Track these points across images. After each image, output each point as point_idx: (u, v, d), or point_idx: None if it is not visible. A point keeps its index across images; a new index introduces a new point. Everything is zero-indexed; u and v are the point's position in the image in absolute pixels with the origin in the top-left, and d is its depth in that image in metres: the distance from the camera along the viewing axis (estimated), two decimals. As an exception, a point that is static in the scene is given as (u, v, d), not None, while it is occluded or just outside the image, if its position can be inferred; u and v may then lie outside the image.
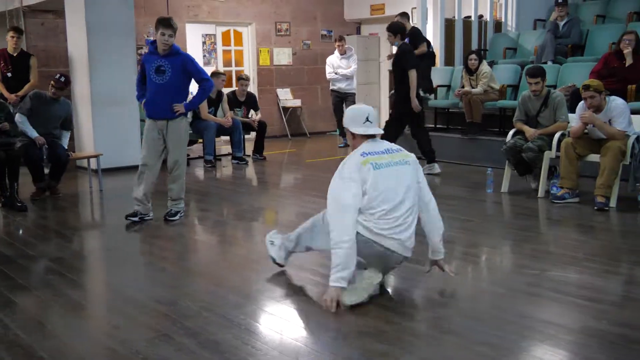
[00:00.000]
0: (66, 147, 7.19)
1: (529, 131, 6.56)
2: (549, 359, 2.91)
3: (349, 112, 3.86)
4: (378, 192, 3.57)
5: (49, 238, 5.50)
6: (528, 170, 6.74)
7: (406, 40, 8.18)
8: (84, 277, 4.53)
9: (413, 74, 7.75)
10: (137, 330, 3.34)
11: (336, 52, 10.88)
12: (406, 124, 8.21)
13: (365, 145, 3.74)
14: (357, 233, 3.53)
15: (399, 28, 8.10)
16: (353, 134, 3.80)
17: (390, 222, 3.58)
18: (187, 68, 5.67)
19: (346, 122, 3.85)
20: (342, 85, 10.76)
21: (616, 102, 5.99)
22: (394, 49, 9.51)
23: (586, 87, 5.94)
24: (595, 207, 5.83)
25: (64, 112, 7.13)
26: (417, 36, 9.16)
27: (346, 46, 10.88)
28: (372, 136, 3.78)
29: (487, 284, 4.17)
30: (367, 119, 3.74)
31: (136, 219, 5.76)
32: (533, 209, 6.18)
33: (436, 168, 8.04)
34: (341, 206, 3.54)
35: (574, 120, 6.30)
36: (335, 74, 10.77)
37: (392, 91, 9.50)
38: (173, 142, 5.72)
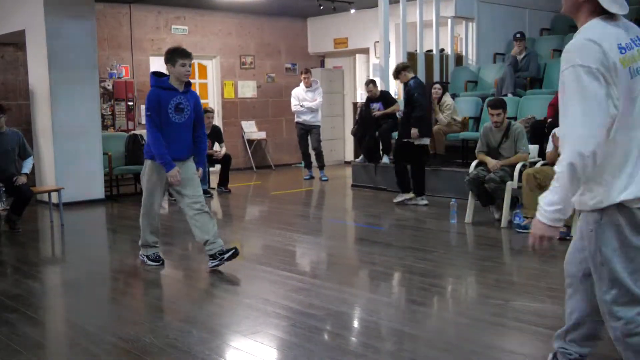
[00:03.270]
0: (28, 173, 7.08)
1: (491, 162, 6.68)
2: (514, 389, 2.92)
3: None
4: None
5: (7, 274, 5.37)
6: (491, 200, 6.83)
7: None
8: (43, 314, 4.42)
9: None
10: (99, 369, 3.26)
11: (302, 85, 10.95)
12: None
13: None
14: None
15: None
16: None
17: None
18: (198, 106, 5.28)
19: None
20: (307, 118, 10.81)
21: None
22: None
23: None
24: (558, 237, 5.91)
25: (14, 143, 7.02)
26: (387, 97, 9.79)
27: (312, 79, 10.97)
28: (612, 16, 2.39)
29: (451, 314, 4.19)
30: None
31: (155, 263, 5.38)
32: (496, 239, 6.25)
33: None
34: None
35: (534, 151, 6.44)
36: (301, 106, 10.83)
37: (356, 125, 9.65)
38: (191, 180, 5.17)
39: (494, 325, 3.78)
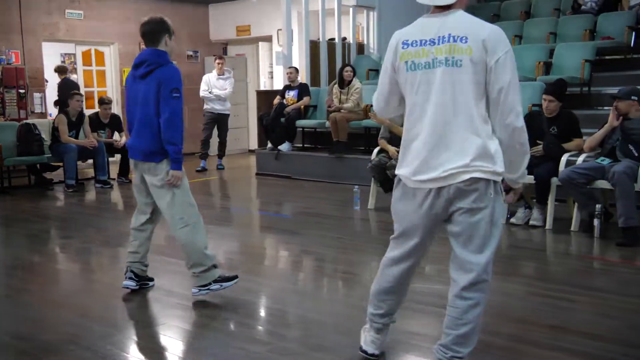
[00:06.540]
0: None
1: (392, 149, 6.84)
2: (416, 369, 3.02)
3: None
4: None
5: None
6: (393, 187, 6.98)
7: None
8: None
9: None
10: (-8, 370, 3.11)
11: (214, 72, 10.67)
12: None
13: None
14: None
15: None
16: None
17: None
18: None
19: None
20: (215, 106, 10.57)
21: None
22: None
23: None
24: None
25: None
26: None
27: (225, 68, 10.74)
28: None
29: (356, 299, 4.26)
30: None
31: None
32: (398, 224, 6.40)
33: None
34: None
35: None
36: (210, 92, 10.57)
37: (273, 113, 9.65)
38: None
39: (396, 308, 3.88)
